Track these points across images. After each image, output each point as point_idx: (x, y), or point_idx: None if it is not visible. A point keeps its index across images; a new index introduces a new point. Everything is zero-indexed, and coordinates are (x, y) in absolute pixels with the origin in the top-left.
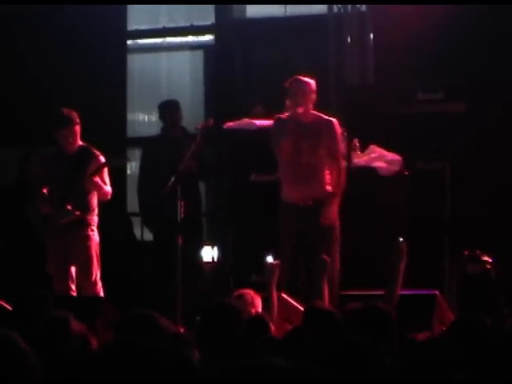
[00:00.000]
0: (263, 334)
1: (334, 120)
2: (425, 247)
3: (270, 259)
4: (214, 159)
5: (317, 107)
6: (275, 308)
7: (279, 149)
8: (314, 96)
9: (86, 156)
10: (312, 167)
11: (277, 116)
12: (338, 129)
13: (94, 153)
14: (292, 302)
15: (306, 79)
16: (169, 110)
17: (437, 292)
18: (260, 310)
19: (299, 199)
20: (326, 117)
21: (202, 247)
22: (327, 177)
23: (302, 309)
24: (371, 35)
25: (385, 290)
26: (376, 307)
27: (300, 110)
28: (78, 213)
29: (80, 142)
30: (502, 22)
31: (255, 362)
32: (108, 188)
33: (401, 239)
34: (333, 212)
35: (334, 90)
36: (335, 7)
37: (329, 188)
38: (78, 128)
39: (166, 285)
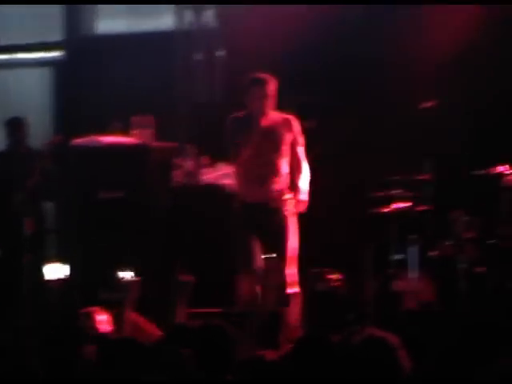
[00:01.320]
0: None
1: (291, 117)
2: None
3: (126, 276)
4: (62, 176)
5: (164, 124)
6: (128, 326)
7: (239, 150)
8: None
9: None
10: (273, 166)
11: (233, 116)
12: (297, 124)
13: None
14: (141, 320)
15: (271, 79)
16: (13, 127)
17: (284, 310)
18: (108, 327)
19: (261, 198)
20: (284, 115)
21: (47, 264)
22: (287, 174)
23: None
24: (219, 52)
25: None
26: (216, 325)
27: (267, 111)
28: None
29: None
30: (349, 38)
31: None
32: None
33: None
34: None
35: (181, 107)
36: (183, 23)
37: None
38: None
39: (11, 302)
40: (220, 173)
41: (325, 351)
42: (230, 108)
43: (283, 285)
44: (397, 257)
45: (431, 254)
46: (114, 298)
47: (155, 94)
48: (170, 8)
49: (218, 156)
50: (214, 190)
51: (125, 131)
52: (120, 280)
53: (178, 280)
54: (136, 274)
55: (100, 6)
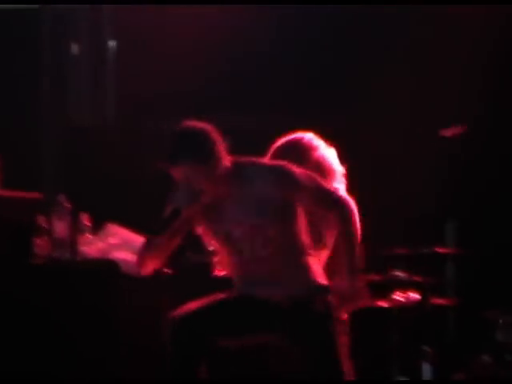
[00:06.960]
0: None
1: (269, 168)
2: None
3: None
4: None
5: (22, 163)
6: None
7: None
8: None
9: None
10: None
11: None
12: (282, 173)
13: None
14: None
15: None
16: None
17: None
18: None
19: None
20: (260, 166)
21: None
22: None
23: None
24: (110, 43)
25: None
26: None
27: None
28: None
29: None
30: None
31: None
32: None
33: None
34: None
35: (48, 133)
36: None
37: None
38: None
39: None
40: (111, 241)
41: None
42: (124, 136)
43: None
44: (401, 378)
45: (456, 376)
46: None
47: (7, 114)
48: None
49: (108, 212)
50: (99, 269)
51: None
52: None
53: None
54: None
55: None
